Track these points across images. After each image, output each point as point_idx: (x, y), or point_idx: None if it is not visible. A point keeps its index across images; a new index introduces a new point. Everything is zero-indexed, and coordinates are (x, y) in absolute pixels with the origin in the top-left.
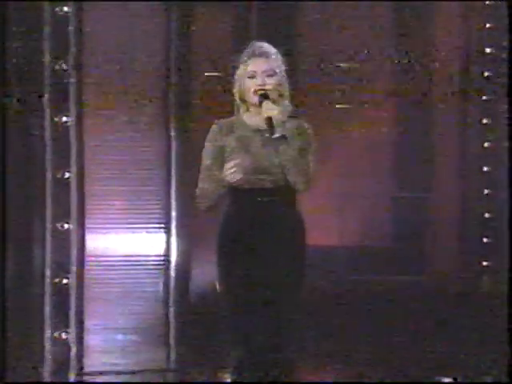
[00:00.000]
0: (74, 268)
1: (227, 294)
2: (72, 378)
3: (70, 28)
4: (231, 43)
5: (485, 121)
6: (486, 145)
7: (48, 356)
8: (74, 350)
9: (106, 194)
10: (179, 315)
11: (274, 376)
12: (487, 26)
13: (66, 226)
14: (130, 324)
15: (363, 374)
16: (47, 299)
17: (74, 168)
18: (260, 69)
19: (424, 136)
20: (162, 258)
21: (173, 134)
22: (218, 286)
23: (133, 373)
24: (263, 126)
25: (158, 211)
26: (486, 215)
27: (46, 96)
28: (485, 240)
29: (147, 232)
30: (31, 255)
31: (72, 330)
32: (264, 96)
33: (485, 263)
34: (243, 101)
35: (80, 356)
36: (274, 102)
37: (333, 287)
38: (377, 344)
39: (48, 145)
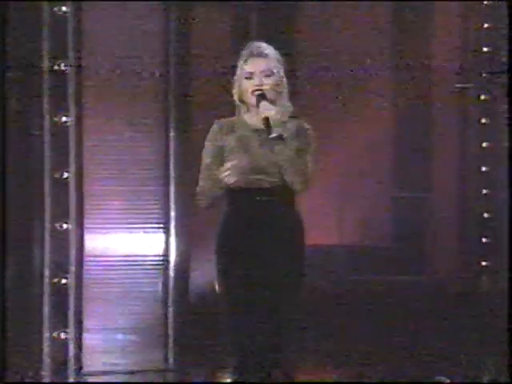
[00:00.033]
0: (72, 268)
1: (226, 294)
2: (71, 378)
3: (69, 28)
4: (230, 43)
5: (483, 121)
6: (484, 145)
7: (47, 356)
8: (72, 350)
9: (105, 194)
10: (178, 315)
11: (273, 376)
12: (485, 25)
13: (64, 225)
14: (129, 324)
15: (363, 374)
16: (46, 299)
17: (72, 168)
18: (257, 69)
19: (423, 136)
20: (161, 258)
21: (172, 134)
22: (217, 286)
23: (132, 373)
24: (262, 126)
25: (156, 211)
26: (485, 215)
27: (46, 96)
28: (484, 240)
29: (146, 232)
30: (30, 255)
31: (71, 330)
32: (262, 96)
33: (484, 263)
34: (242, 101)
35: (79, 356)
36: (272, 102)
37: (332, 287)
38: (377, 344)
39: (47, 145)
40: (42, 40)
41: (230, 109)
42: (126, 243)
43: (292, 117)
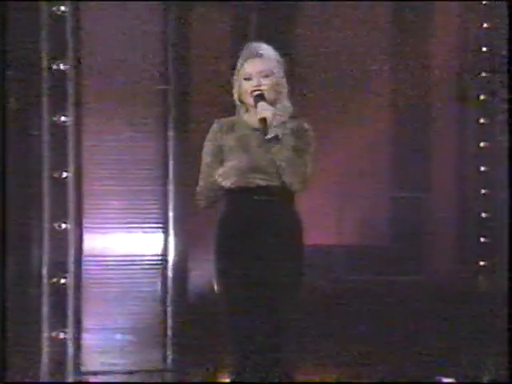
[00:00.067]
0: (71, 268)
1: (225, 293)
2: (69, 377)
3: (68, 28)
4: (230, 43)
5: (482, 120)
6: (483, 144)
7: (45, 356)
8: (71, 349)
9: (104, 194)
10: (177, 315)
11: (273, 376)
12: (484, 25)
13: (63, 225)
14: (128, 324)
15: (363, 374)
16: (45, 299)
17: (71, 168)
18: (255, 70)
19: (421, 136)
20: (160, 258)
21: (171, 133)
22: (215, 286)
23: (130, 373)
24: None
25: (155, 211)
26: (484, 215)
27: (44, 96)
28: (482, 240)
29: (145, 232)
30: (29, 255)
31: (69, 329)
32: (260, 97)
33: (482, 263)
34: (242, 102)
35: (77, 356)
36: (271, 102)
37: (331, 287)
38: (376, 344)
39: (46, 144)
40: (40, 40)
41: (230, 109)
42: (125, 243)
43: (292, 117)
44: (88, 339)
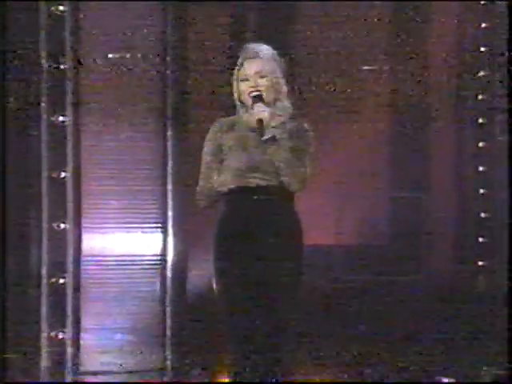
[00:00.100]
0: (70, 268)
1: (224, 293)
2: (68, 377)
3: (67, 27)
4: (229, 42)
5: (480, 120)
6: (481, 144)
7: (44, 356)
8: (70, 349)
9: (103, 194)
10: (176, 315)
11: (272, 376)
12: (483, 25)
13: (62, 225)
14: (127, 324)
15: (363, 374)
16: (44, 299)
17: (70, 167)
18: (252, 71)
19: (420, 136)
20: (159, 258)
21: (169, 133)
22: (214, 286)
23: (130, 372)
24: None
25: (154, 211)
26: (482, 215)
27: (43, 96)
28: (481, 240)
29: (144, 232)
30: (28, 255)
31: (68, 329)
32: (257, 98)
33: (481, 263)
34: (242, 102)
35: (76, 356)
36: (269, 103)
37: (330, 286)
38: (376, 344)
39: (45, 144)
40: (39, 39)
41: (228, 109)
42: (124, 243)
43: (292, 118)
44: (87, 339)
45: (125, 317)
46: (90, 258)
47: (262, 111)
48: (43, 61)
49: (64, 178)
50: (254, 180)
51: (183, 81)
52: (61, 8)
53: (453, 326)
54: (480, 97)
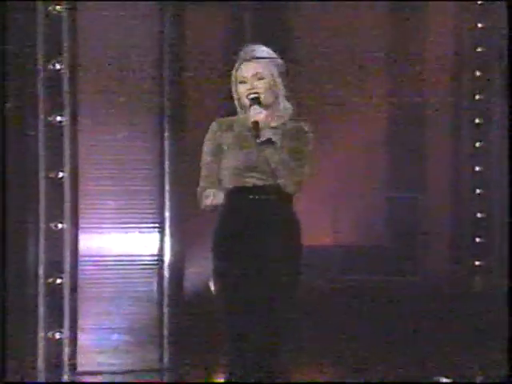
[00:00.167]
0: (67, 268)
1: (222, 293)
2: (66, 377)
3: (64, 27)
4: (226, 43)
5: (477, 120)
6: (478, 145)
7: (42, 356)
8: (67, 349)
9: (100, 194)
10: (173, 315)
11: (270, 376)
12: (479, 25)
13: (59, 225)
14: (124, 324)
15: (362, 374)
16: (41, 299)
17: (67, 168)
18: (250, 73)
19: (417, 136)
20: (156, 258)
21: (167, 133)
22: (212, 286)
23: (127, 372)
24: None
25: (151, 211)
26: (479, 215)
27: (40, 96)
28: (477, 240)
29: (141, 232)
30: (25, 255)
31: (66, 329)
32: (255, 100)
33: (477, 263)
34: (240, 104)
35: (74, 356)
36: (267, 104)
37: (328, 286)
38: (373, 343)
39: (42, 144)
40: (36, 40)
41: (227, 108)
42: (121, 243)
43: (292, 119)
44: (84, 339)
45: (122, 317)
46: (87, 258)
47: (257, 113)
48: (40, 61)
49: (61, 178)
50: (251, 180)
51: (180, 81)
52: (58, 8)
53: (449, 326)
54: (477, 97)
